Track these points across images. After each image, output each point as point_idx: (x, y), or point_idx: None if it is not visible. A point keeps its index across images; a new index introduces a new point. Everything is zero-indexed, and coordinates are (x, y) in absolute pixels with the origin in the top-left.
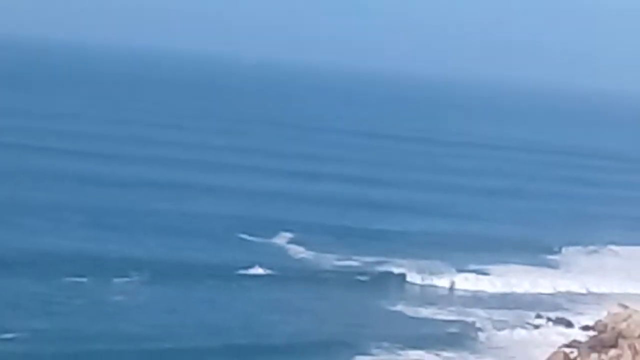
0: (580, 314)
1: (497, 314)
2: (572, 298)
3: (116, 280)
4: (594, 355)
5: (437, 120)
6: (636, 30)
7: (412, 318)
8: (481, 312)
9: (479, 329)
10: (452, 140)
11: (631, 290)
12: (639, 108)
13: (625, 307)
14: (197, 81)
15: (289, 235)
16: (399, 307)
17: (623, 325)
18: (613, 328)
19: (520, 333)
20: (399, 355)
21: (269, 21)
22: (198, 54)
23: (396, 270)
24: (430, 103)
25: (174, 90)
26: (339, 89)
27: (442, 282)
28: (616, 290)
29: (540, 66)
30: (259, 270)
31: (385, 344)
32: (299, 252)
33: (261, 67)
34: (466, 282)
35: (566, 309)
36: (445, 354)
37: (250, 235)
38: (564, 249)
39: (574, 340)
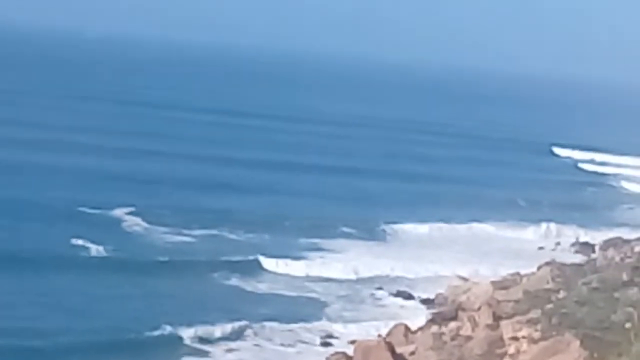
0: (420, 287)
1: (337, 288)
2: (410, 273)
3: None
4: (435, 328)
5: (274, 96)
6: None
7: (250, 292)
8: (320, 288)
9: (321, 303)
10: (285, 116)
11: (460, 267)
12: (473, 82)
13: (465, 279)
14: (32, 55)
15: (124, 211)
16: (235, 282)
17: (463, 297)
18: (453, 301)
19: (361, 307)
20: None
21: None
22: (31, 26)
23: (232, 250)
24: (268, 78)
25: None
26: (183, 64)
27: (279, 259)
28: (451, 266)
29: (370, 41)
30: (91, 252)
31: (220, 316)
32: (135, 229)
33: (105, 41)
34: (303, 260)
35: (405, 283)
36: (293, 325)
37: (84, 213)
38: (397, 226)
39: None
